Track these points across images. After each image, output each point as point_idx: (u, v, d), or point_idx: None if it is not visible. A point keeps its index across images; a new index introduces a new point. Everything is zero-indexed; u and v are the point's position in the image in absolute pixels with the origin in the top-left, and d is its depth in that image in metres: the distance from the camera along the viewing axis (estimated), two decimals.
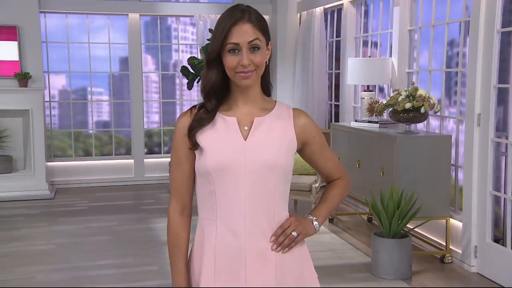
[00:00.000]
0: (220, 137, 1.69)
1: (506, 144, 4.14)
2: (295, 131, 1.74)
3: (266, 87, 1.76)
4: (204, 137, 1.69)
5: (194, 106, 1.75)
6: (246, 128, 1.70)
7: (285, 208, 1.76)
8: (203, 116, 1.70)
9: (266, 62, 1.70)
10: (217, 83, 1.70)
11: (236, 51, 1.64)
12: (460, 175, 4.66)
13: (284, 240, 1.70)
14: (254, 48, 1.64)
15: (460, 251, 4.41)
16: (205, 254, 1.70)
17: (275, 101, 1.79)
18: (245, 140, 1.69)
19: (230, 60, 1.64)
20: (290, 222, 1.71)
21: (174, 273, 1.75)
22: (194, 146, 1.70)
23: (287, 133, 1.73)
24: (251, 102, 1.72)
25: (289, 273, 1.72)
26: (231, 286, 1.68)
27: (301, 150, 1.80)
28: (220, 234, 1.69)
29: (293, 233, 1.71)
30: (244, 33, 1.63)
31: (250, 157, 1.67)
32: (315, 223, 1.77)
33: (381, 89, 6.00)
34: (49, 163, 7.29)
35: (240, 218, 1.67)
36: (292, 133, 1.74)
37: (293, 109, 1.78)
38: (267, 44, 1.70)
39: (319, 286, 1.80)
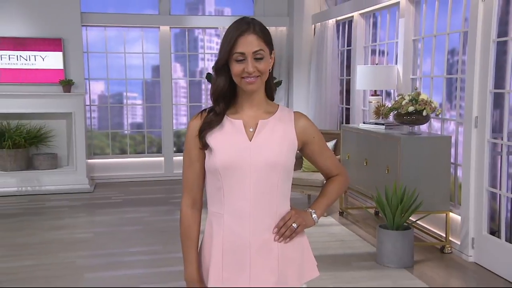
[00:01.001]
0: (227, 138, 1.68)
1: (502, 144, 4.06)
2: (295, 132, 1.72)
3: (270, 92, 1.74)
4: (213, 138, 1.68)
5: (204, 110, 1.74)
6: (251, 130, 1.69)
7: (287, 203, 1.74)
8: (212, 118, 1.69)
9: (269, 70, 1.69)
10: (225, 88, 1.68)
11: (242, 59, 1.63)
12: (459, 173, 4.58)
13: (285, 231, 1.68)
14: (258, 57, 1.63)
15: (458, 243, 4.34)
16: (214, 245, 1.69)
17: (278, 105, 1.77)
18: (250, 140, 1.68)
19: (236, 68, 1.63)
20: (290, 215, 1.70)
21: (186, 262, 1.74)
22: (204, 146, 1.69)
23: (288, 134, 1.71)
24: (256, 106, 1.71)
25: (290, 262, 1.70)
26: (237, 274, 1.66)
27: (302, 150, 1.78)
28: (227, 227, 1.68)
29: (293, 225, 1.69)
30: (249, 43, 1.62)
31: (255, 156, 1.65)
32: (313, 215, 1.75)
33: (389, 94, 5.93)
34: (89, 160, 7.38)
35: (245, 212, 1.66)
36: (293, 134, 1.72)
37: (294, 112, 1.77)
38: (270, 53, 1.68)
39: (318, 274, 1.78)
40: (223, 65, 1.66)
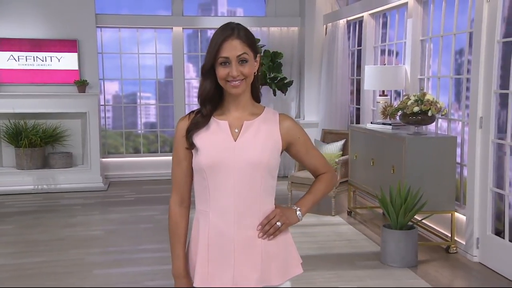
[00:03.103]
0: (213, 138, 1.73)
1: (505, 145, 4.04)
2: (280, 133, 1.77)
3: (256, 95, 1.79)
4: (200, 138, 1.74)
5: (192, 111, 1.80)
6: (236, 130, 1.74)
7: (271, 200, 1.78)
8: (199, 120, 1.75)
9: (254, 73, 1.74)
10: (211, 91, 1.74)
11: (227, 63, 1.68)
12: (465, 173, 4.57)
13: (269, 229, 1.73)
14: (242, 61, 1.68)
15: (464, 242, 4.34)
16: (200, 241, 1.74)
17: (264, 107, 1.82)
18: (235, 141, 1.73)
19: (221, 72, 1.69)
20: (275, 213, 1.75)
21: (174, 257, 1.80)
22: (191, 146, 1.74)
23: (272, 135, 1.76)
24: (241, 107, 1.76)
25: (273, 258, 1.75)
26: (222, 270, 1.71)
27: (288, 150, 1.83)
28: (213, 224, 1.73)
29: (277, 223, 1.74)
30: (233, 48, 1.67)
31: (239, 156, 1.71)
32: (298, 213, 1.80)
33: (399, 94, 5.93)
34: (103, 159, 7.50)
35: (229, 210, 1.71)
36: (277, 134, 1.77)
37: (279, 114, 1.81)
38: (255, 57, 1.73)
39: (301, 271, 1.82)
40: (209, 69, 1.72)
